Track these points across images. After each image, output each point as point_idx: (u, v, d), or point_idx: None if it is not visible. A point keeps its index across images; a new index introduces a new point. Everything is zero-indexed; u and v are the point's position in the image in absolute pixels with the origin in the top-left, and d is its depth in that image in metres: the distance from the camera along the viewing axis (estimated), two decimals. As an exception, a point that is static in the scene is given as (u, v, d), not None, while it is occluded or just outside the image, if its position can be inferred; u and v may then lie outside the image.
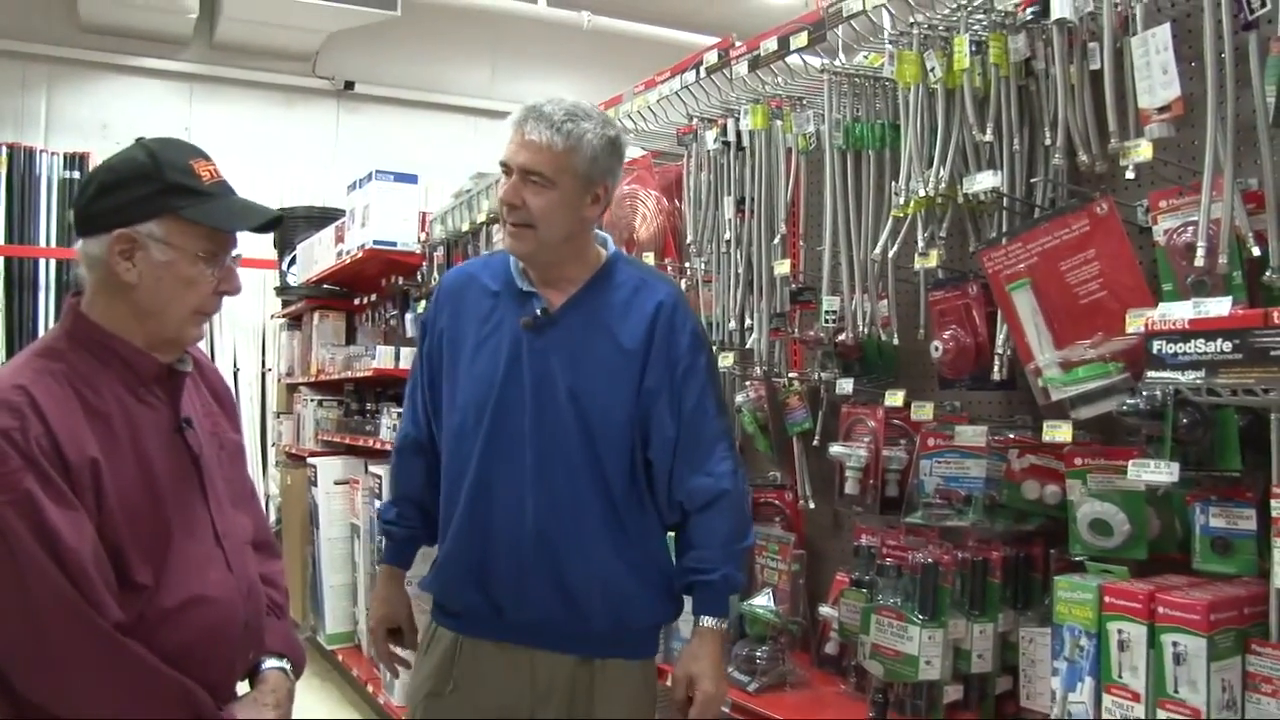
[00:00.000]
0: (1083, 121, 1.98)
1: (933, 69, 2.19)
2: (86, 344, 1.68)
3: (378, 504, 4.59)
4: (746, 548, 2.29)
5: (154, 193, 1.65)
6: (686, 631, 2.64)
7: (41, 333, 6.20)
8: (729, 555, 2.16)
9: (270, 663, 1.87)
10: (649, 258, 3.29)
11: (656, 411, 2.14)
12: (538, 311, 2.13)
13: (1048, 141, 2.05)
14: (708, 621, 2.15)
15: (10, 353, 6.49)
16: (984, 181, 2.09)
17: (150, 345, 1.71)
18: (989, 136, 2.11)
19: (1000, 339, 2.10)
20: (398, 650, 2.37)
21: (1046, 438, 2.01)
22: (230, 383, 7.16)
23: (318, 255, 6.03)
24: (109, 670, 1.56)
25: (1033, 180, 2.11)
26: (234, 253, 1.76)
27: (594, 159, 2.08)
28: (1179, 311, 1.66)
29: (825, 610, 2.53)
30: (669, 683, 2.21)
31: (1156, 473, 1.66)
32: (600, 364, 2.13)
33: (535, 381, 2.12)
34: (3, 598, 1.52)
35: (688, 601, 2.22)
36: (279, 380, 7.29)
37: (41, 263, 6.87)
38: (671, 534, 2.25)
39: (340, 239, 5.52)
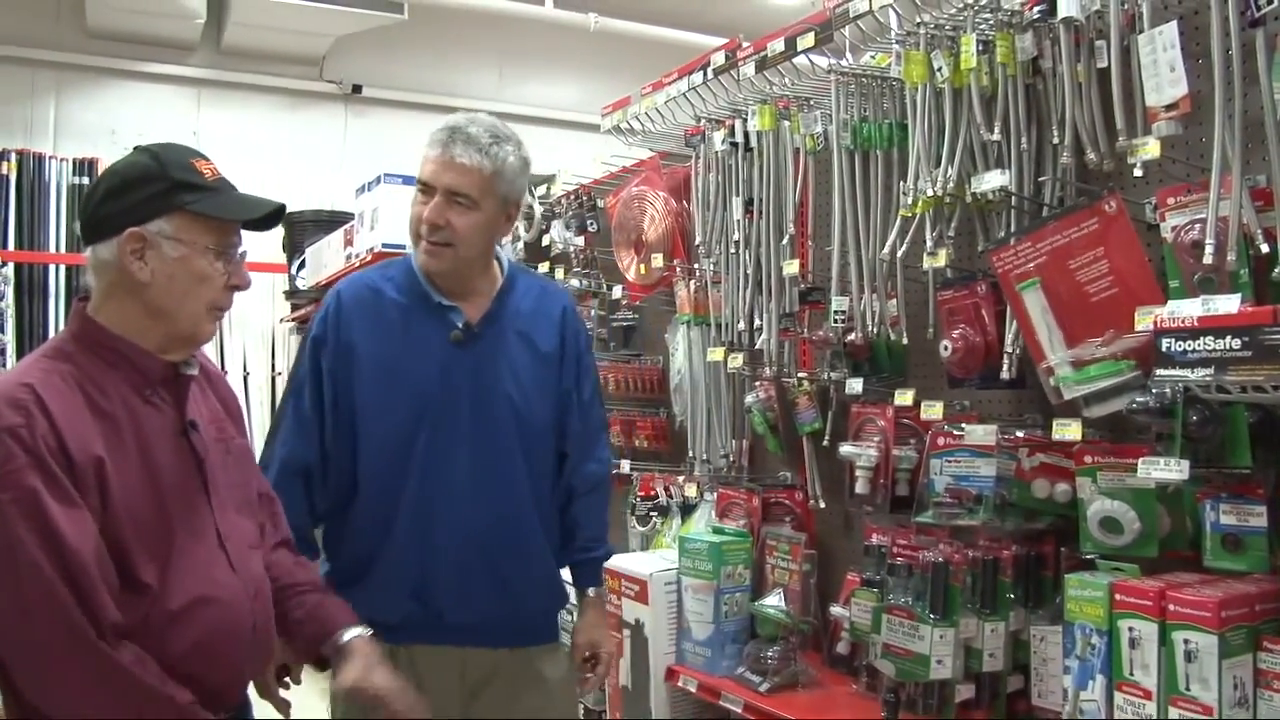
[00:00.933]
0: (1090, 120, 1.98)
1: (940, 69, 2.19)
2: (93, 346, 1.69)
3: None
4: None
5: (161, 191, 1.68)
6: (701, 633, 2.66)
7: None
8: (606, 532, 2.45)
9: (352, 632, 1.92)
10: (658, 259, 3.30)
11: (570, 408, 2.31)
12: (460, 325, 2.19)
13: (1055, 140, 2.05)
14: (595, 592, 2.41)
15: (21, 358, 6.51)
16: (992, 181, 2.09)
17: (165, 345, 1.73)
18: (996, 136, 2.11)
19: (1009, 337, 2.10)
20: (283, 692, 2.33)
21: (1056, 436, 2.01)
22: (241, 386, 7.22)
23: (327, 258, 6.04)
24: (94, 684, 1.54)
25: (1041, 179, 2.11)
26: (241, 249, 1.79)
27: (514, 181, 2.19)
28: (1188, 309, 1.66)
29: (836, 610, 2.53)
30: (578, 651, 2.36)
31: (1167, 470, 1.66)
32: (528, 370, 2.25)
33: (474, 393, 2.19)
34: (1, 596, 1.52)
35: None
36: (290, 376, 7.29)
37: (51, 269, 6.87)
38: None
39: (349, 242, 5.53)
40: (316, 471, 2.22)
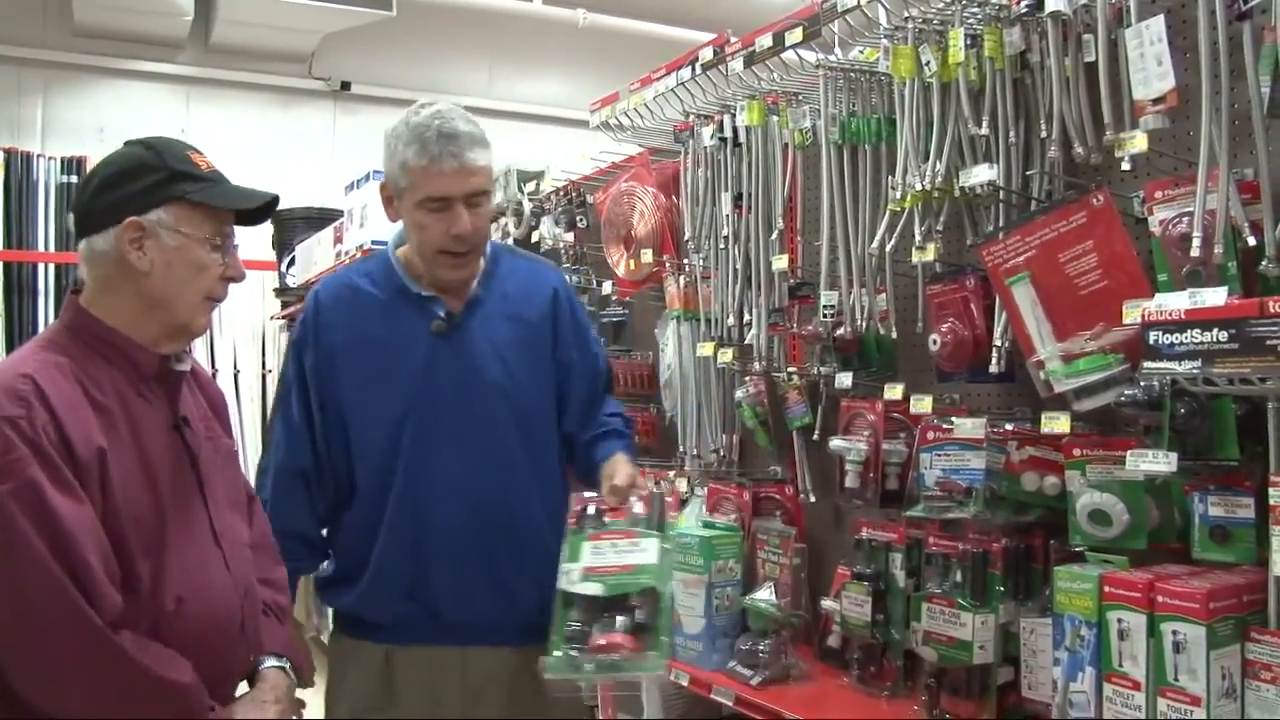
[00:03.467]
0: (1078, 114, 1.99)
1: (928, 63, 2.19)
2: (87, 338, 1.69)
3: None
4: None
5: (160, 181, 1.69)
6: (693, 627, 2.65)
7: (41, 337, 6.20)
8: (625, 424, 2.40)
9: (270, 662, 1.88)
10: (647, 254, 3.30)
11: (572, 383, 2.27)
12: (441, 315, 2.13)
13: (1043, 134, 2.05)
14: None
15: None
16: (980, 175, 2.10)
17: (160, 337, 1.73)
18: (985, 130, 2.12)
19: (998, 331, 2.11)
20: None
21: (1045, 429, 2.02)
22: (231, 385, 7.20)
23: (316, 256, 6.03)
24: (96, 668, 1.55)
25: (1029, 173, 2.11)
26: (235, 242, 1.80)
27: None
28: (1175, 302, 1.66)
29: (827, 603, 2.53)
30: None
31: (1155, 463, 1.67)
32: (518, 354, 2.19)
33: (459, 385, 2.13)
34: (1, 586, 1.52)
35: None
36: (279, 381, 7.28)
37: (40, 267, 6.85)
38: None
39: (339, 240, 5.52)
40: (313, 475, 2.21)
